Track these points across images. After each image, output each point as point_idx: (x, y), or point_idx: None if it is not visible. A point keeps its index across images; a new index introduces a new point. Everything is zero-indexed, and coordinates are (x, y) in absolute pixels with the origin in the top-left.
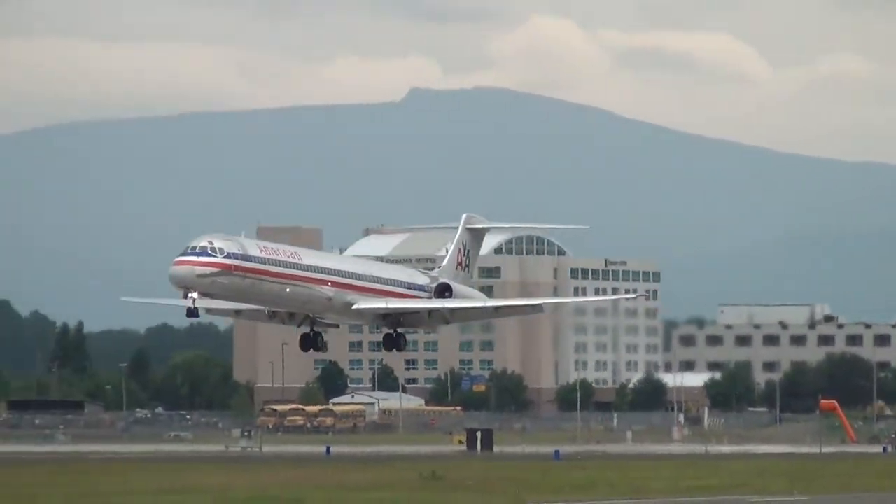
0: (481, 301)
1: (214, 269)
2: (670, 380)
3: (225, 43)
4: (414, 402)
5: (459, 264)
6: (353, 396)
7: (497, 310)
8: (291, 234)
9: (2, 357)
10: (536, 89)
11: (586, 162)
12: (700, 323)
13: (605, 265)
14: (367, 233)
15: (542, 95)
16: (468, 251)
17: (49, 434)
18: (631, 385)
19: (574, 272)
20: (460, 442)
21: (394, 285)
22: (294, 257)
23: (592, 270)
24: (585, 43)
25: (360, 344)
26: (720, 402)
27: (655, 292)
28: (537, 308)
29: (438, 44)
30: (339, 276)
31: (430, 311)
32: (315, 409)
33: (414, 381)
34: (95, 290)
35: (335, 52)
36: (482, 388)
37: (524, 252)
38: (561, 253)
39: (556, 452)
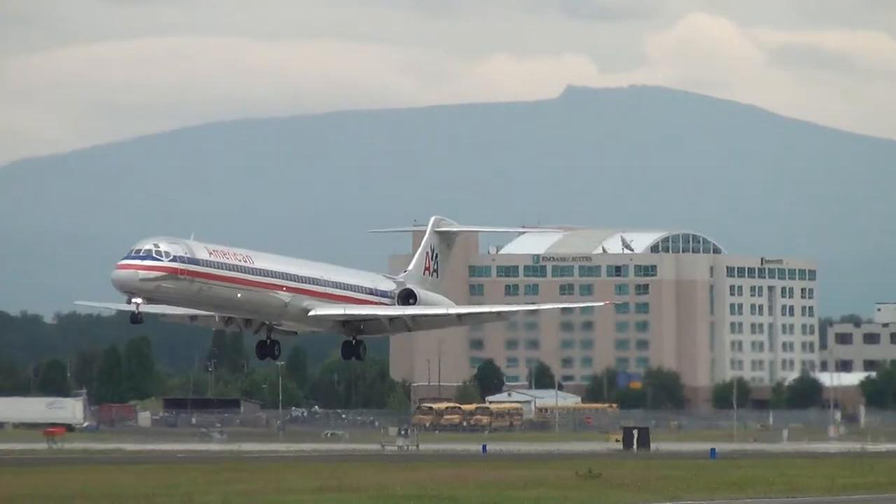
0: (442, 308)
1: (159, 274)
2: (826, 378)
3: (383, 41)
4: (570, 400)
5: (427, 269)
6: (509, 394)
7: (461, 317)
8: None
9: (158, 355)
10: (692, 87)
11: (741, 159)
12: (856, 321)
13: (762, 263)
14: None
15: (698, 93)
16: (437, 255)
17: (205, 432)
18: (787, 383)
19: (730, 270)
20: (616, 440)
21: (354, 291)
22: (245, 261)
23: (749, 269)
24: (740, 41)
25: (516, 342)
26: (876, 401)
27: (811, 290)
28: (502, 315)
29: (594, 42)
30: (294, 280)
31: (391, 319)
32: (471, 407)
33: (570, 378)
34: None
35: (492, 50)
36: (638, 385)
37: (680, 250)
38: (717, 251)
39: (713, 451)
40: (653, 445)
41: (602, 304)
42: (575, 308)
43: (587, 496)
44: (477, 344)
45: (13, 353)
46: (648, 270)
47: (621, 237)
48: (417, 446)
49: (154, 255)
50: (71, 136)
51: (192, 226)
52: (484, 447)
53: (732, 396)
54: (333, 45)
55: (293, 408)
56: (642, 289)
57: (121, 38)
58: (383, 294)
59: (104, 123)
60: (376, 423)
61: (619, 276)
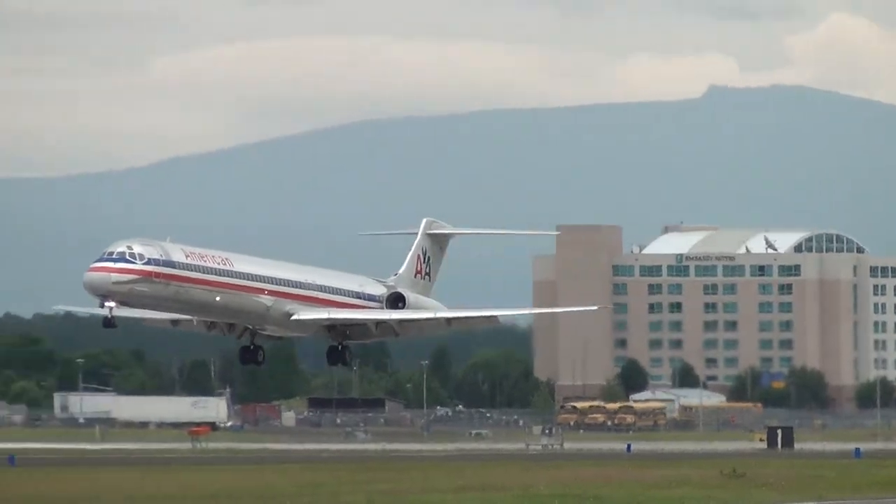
0: (430, 312)
1: (132, 277)
2: None
3: (524, 41)
4: (714, 400)
5: (418, 272)
6: (653, 393)
7: (450, 322)
8: (590, 232)
9: (303, 355)
10: (833, 87)
11: (883, 159)
12: None
13: None
14: (665, 230)
15: (841, 93)
16: (428, 258)
17: (350, 432)
18: None
19: (874, 270)
20: (761, 440)
21: (340, 294)
22: (225, 263)
23: (892, 268)
24: (883, 41)
25: (659, 342)
26: None
27: None
28: (492, 320)
29: (736, 41)
30: (276, 283)
31: (378, 323)
32: (615, 406)
33: (714, 378)
34: None
35: (633, 50)
36: (781, 384)
37: (823, 250)
38: (860, 250)
39: (857, 450)
40: (797, 445)
41: (594, 308)
42: (718, 306)
43: (731, 496)
44: (621, 343)
45: (158, 352)
46: (792, 270)
47: (764, 237)
48: (562, 445)
49: (127, 257)
50: (217, 135)
51: (336, 227)
52: (628, 446)
53: (876, 395)
54: (475, 45)
55: (437, 407)
56: (786, 288)
57: (265, 38)
58: (371, 298)
59: (251, 122)
60: (521, 423)
61: (762, 275)
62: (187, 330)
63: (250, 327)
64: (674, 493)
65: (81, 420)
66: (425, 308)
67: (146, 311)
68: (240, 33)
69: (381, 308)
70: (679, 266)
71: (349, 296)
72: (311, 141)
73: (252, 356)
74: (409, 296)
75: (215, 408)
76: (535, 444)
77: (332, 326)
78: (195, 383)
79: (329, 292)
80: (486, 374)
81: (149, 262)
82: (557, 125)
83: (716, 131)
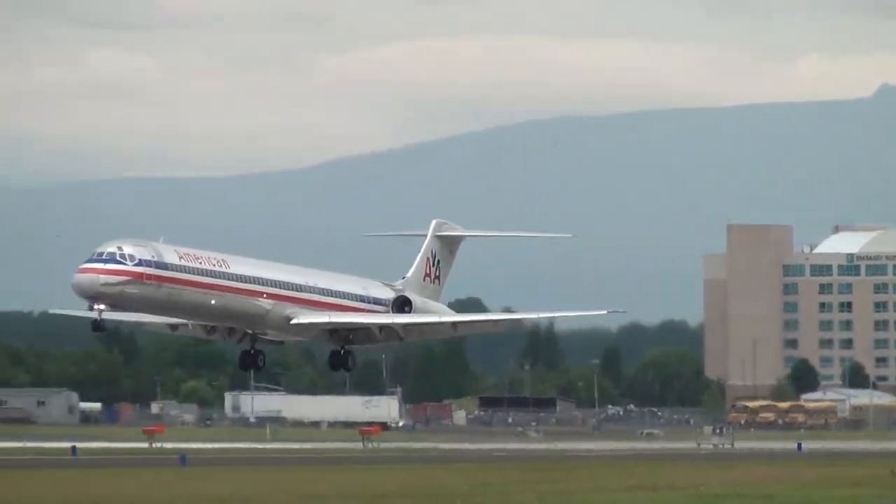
0: (434, 316)
1: (122, 278)
2: None
3: (686, 40)
4: (885, 399)
5: (427, 275)
6: (824, 393)
7: (455, 326)
8: (761, 232)
9: (474, 354)
10: None
11: None
12: None
13: None
14: (836, 230)
15: None
16: (438, 261)
17: (521, 431)
18: None
19: None
20: None
21: (343, 298)
22: (221, 265)
23: None
24: None
25: (830, 341)
26: None
27: None
28: (499, 324)
29: None
30: (275, 286)
31: (381, 327)
32: (786, 405)
33: (885, 378)
34: (566, 292)
35: (802, 50)
36: None
37: None
38: None
39: None
40: None
41: (614, 311)
42: (889, 306)
43: None
44: (791, 343)
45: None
46: None
47: None
48: (733, 444)
49: (117, 258)
50: (383, 136)
51: (501, 225)
52: (799, 445)
53: None
54: (639, 44)
55: (608, 406)
56: None
57: (430, 37)
58: (376, 301)
59: (417, 123)
60: (691, 422)
61: None
62: (186, 334)
63: (250, 332)
64: (845, 492)
65: (252, 419)
66: (432, 312)
67: (140, 314)
68: (399, 33)
69: (388, 312)
70: (850, 266)
71: (353, 299)
72: (472, 141)
73: (252, 361)
74: (416, 300)
75: (387, 407)
76: (705, 444)
77: (335, 331)
78: (366, 382)
79: (331, 295)
80: (657, 372)
81: (140, 264)
82: (724, 124)
83: (887, 130)
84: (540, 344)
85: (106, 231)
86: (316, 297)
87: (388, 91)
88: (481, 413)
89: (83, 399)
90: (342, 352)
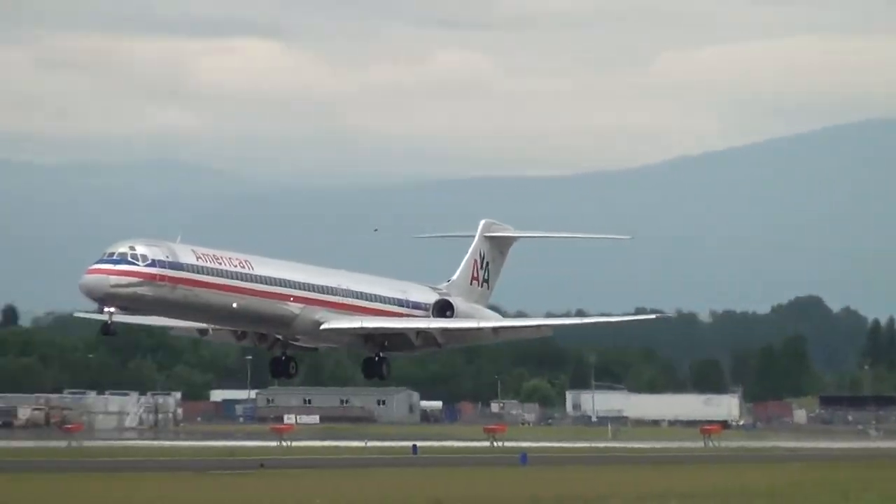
0: (472, 321)
1: (133, 280)
2: None
3: None
4: None
5: (475, 278)
6: None
7: (496, 331)
8: None
9: (814, 353)
10: None
11: None
12: None
13: None
14: None
15: None
16: (487, 263)
17: (861, 430)
18: None
19: None
20: None
21: (379, 302)
22: (243, 266)
23: None
24: None
25: None
26: None
27: None
28: (542, 330)
29: None
30: (304, 289)
31: (419, 333)
32: None
33: None
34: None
35: None
36: None
37: None
38: None
39: None
40: None
41: (653, 317)
42: None
43: None
44: None
45: (670, 351)
46: None
47: None
48: None
49: (129, 258)
50: (724, 135)
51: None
52: None
53: None
54: None
55: None
56: None
57: (776, 38)
58: (417, 306)
59: (754, 123)
60: None
61: None
62: (216, 340)
63: (281, 338)
64: None
65: (594, 418)
66: (475, 317)
67: (156, 318)
68: (748, 32)
69: (427, 316)
70: None
71: (390, 303)
72: (813, 140)
73: (284, 368)
74: (458, 303)
75: (727, 406)
76: None
77: (369, 336)
78: (707, 381)
79: (365, 299)
80: None
81: (153, 264)
82: None
83: None
84: (881, 342)
85: (447, 227)
86: (348, 301)
87: (730, 90)
88: (821, 412)
89: (423, 398)
90: (377, 359)
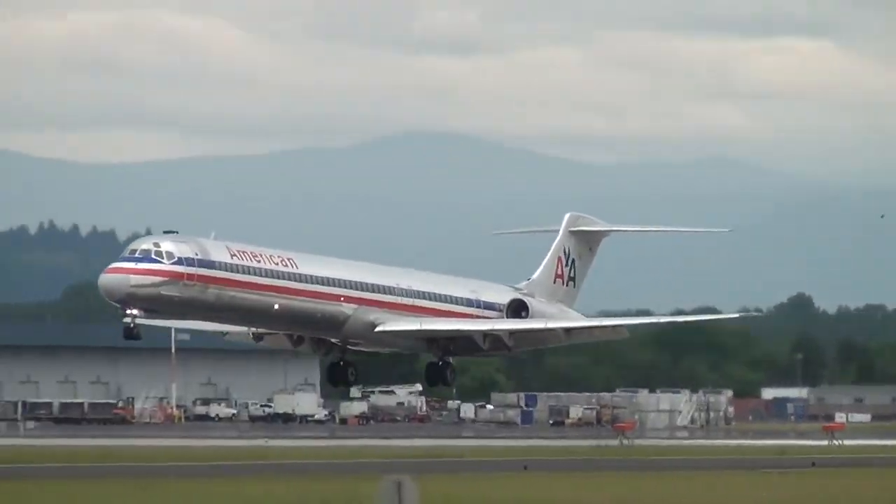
0: (539, 322)
1: (157, 279)
2: None
3: None
4: None
5: (559, 276)
6: None
7: (568, 333)
8: None
9: None
10: None
11: None
12: None
13: None
14: None
15: None
16: (573, 260)
17: None
18: None
19: None
20: None
21: (444, 302)
22: (286, 264)
23: None
24: None
25: None
26: None
27: None
28: (618, 331)
29: None
30: (356, 289)
31: (486, 336)
32: None
33: None
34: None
35: None
36: None
37: None
38: None
39: None
40: None
41: (735, 315)
42: None
43: None
44: None
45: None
46: None
47: None
48: None
49: (152, 256)
50: None
51: None
52: None
53: None
54: None
55: None
56: None
57: None
58: (488, 306)
59: None
60: None
61: None
62: (273, 346)
63: (335, 342)
64: None
65: None
66: (556, 317)
67: (203, 322)
68: None
69: (502, 318)
70: None
71: (458, 303)
72: None
73: (342, 375)
74: (533, 303)
75: None
76: None
77: (433, 339)
78: None
79: (430, 299)
80: None
81: (179, 262)
82: None
83: None
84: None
85: None
86: (408, 302)
87: None
88: None
89: None
90: (441, 363)
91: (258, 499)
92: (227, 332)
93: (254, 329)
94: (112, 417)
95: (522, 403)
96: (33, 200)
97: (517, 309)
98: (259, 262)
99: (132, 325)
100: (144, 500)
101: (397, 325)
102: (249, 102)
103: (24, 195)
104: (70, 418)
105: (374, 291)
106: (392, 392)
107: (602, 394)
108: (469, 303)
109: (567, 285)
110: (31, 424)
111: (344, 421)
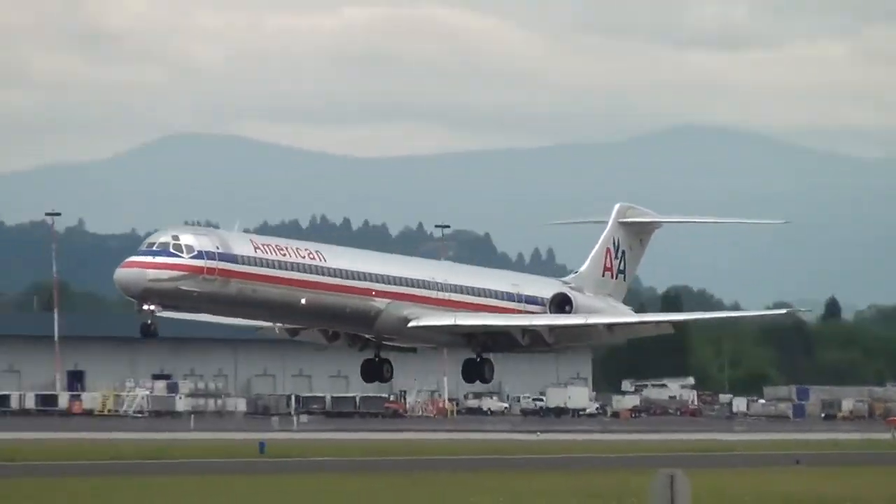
0: (579, 318)
1: (175, 273)
2: None
3: None
4: None
5: (608, 269)
6: None
7: (611, 329)
8: None
9: None
10: None
11: None
12: None
13: None
14: None
15: None
16: (623, 252)
17: None
18: None
19: None
20: None
21: (482, 296)
22: (313, 258)
23: None
24: None
25: None
26: None
27: None
28: (662, 326)
29: None
30: (388, 283)
31: (524, 331)
32: None
33: None
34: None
35: None
36: None
37: None
38: None
39: None
40: None
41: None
42: None
43: None
44: None
45: None
46: None
47: None
48: None
49: (170, 249)
50: None
51: None
52: None
53: None
54: None
55: None
56: None
57: None
58: (531, 300)
59: None
60: None
61: None
62: (309, 340)
63: (370, 337)
64: None
65: None
66: (604, 312)
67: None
68: None
69: (545, 312)
70: None
71: (498, 298)
72: None
73: (377, 372)
74: (578, 298)
75: None
76: None
77: (471, 335)
78: None
79: (468, 293)
80: None
81: (199, 256)
82: None
83: None
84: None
85: None
86: (444, 296)
87: None
88: None
89: None
90: (479, 360)
91: (525, 493)
92: (259, 328)
93: (280, 325)
94: (384, 411)
95: (794, 397)
96: (304, 194)
97: (560, 303)
98: (285, 255)
99: (150, 322)
100: (414, 493)
101: (431, 321)
102: (523, 97)
103: (295, 190)
104: (342, 412)
105: (407, 286)
106: (664, 385)
107: (874, 387)
108: (509, 297)
109: (616, 278)
110: (304, 418)
111: (616, 415)
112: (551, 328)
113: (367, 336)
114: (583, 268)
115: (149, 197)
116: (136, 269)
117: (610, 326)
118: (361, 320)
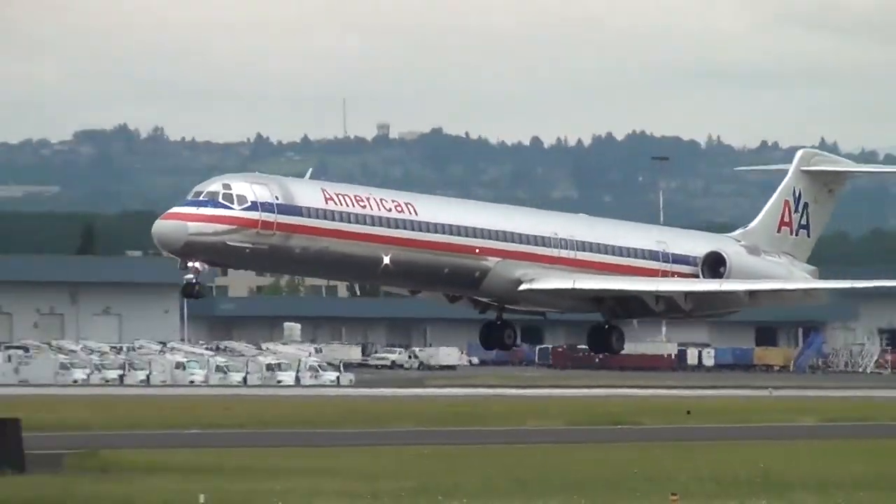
0: (713, 283)
1: (220, 227)
2: None
3: None
4: None
5: (786, 224)
6: None
7: (753, 296)
8: None
9: None
10: None
11: None
12: None
13: None
14: None
15: None
16: (804, 204)
17: None
18: None
19: None
20: None
21: (616, 255)
22: (401, 210)
23: None
24: None
25: None
26: None
27: None
28: (810, 294)
29: None
30: (498, 239)
31: (657, 297)
32: None
33: None
34: None
35: None
36: None
37: None
38: None
39: None
40: None
41: None
42: None
43: None
44: None
45: None
46: None
47: None
48: None
49: (219, 199)
50: None
51: None
52: None
53: None
54: None
55: None
56: None
57: None
58: (680, 259)
59: None
60: None
61: None
62: (430, 298)
63: (490, 301)
64: None
65: None
66: (778, 276)
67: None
68: None
69: (696, 273)
70: None
71: (637, 256)
72: None
73: (498, 337)
74: (732, 257)
75: None
76: None
77: (600, 299)
78: None
79: (598, 251)
80: None
81: (252, 207)
82: None
83: None
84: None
85: None
86: (568, 255)
87: None
88: None
89: None
90: (606, 327)
91: None
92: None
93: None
94: None
95: None
96: None
97: (713, 263)
98: (364, 207)
99: (195, 281)
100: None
101: (546, 283)
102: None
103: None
104: None
105: (522, 242)
106: None
107: None
108: (653, 255)
109: (796, 234)
110: None
111: None
112: (687, 295)
113: (484, 299)
114: (753, 223)
115: None
116: (175, 222)
117: (751, 293)
118: (462, 281)
